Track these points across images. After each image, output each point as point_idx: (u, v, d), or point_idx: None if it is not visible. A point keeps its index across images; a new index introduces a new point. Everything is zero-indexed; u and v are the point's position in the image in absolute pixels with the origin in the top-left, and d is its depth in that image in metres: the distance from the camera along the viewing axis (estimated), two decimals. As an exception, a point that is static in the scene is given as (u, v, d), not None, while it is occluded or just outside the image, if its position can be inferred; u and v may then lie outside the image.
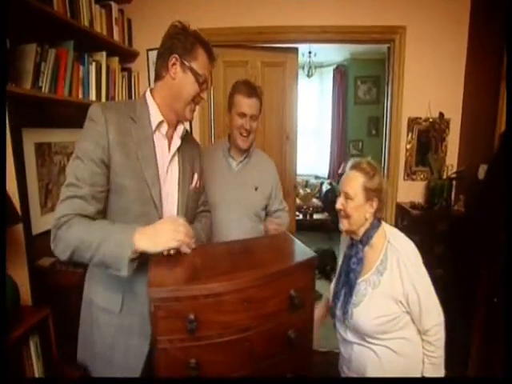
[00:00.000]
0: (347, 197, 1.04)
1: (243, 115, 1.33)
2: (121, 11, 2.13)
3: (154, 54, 2.25)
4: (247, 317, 0.72)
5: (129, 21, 2.22)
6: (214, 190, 1.37)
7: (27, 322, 1.20)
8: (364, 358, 1.06)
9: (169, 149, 0.95)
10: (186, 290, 0.68)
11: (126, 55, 2.21)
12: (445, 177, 1.97)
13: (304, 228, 4.11)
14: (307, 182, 5.45)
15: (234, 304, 0.71)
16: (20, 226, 1.28)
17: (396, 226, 2.11)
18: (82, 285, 1.40)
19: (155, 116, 0.91)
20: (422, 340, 1.04)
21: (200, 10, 2.14)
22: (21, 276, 1.29)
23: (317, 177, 5.61)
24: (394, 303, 1.01)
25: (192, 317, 0.67)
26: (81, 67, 1.74)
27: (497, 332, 1.48)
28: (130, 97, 2.26)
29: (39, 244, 1.57)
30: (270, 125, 2.35)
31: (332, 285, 1.18)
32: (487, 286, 1.54)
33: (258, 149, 1.56)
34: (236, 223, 1.37)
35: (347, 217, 1.05)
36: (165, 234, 0.78)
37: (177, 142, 0.96)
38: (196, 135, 2.28)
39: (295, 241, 0.96)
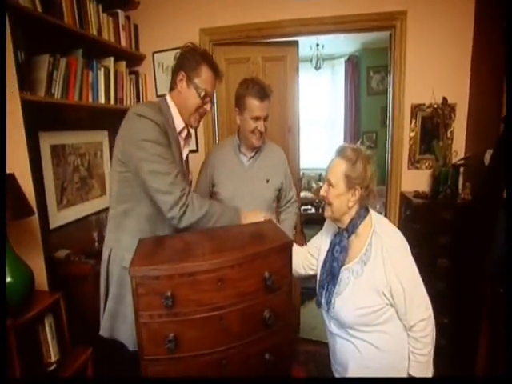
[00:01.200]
0: (329, 184, 1.03)
1: (257, 119, 1.38)
2: (127, 17, 2.25)
3: (159, 57, 2.36)
4: (221, 295, 0.78)
5: (135, 26, 2.33)
6: (226, 186, 1.45)
7: (42, 303, 1.36)
8: (346, 351, 1.05)
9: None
10: (162, 270, 0.74)
11: (133, 59, 2.33)
12: (450, 164, 1.91)
13: (317, 222, 4.09)
14: (320, 175, 5.40)
15: (209, 283, 0.76)
16: (36, 220, 1.42)
17: (400, 215, 2.07)
18: (93, 273, 1.53)
19: (178, 121, 1.10)
20: (408, 336, 0.99)
21: (201, 10, 2.21)
22: (37, 264, 1.43)
23: (330, 170, 5.53)
24: (377, 295, 0.98)
25: (169, 294, 0.74)
26: (90, 73, 1.86)
27: (503, 324, 1.43)
28: (138, 99, 2.38)
29: (56, 237, 1.73)
30: (272, 118, 2.32)
31: (317, 273, 1.16)
32: (493, 276, 1.49)
33: (268, 140, 1.59)
34: None
35: (329, 204, 1.04)
36: (256, 218, 1.09)
37: (187, 149, 1.18)
38: (200, 131, 2.36)
39: (277, 227, 1.00)
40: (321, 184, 5.10)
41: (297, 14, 2.05)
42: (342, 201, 1.02)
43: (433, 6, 1.91)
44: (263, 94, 1.36)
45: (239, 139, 1.49)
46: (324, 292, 1.08)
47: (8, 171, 1.28)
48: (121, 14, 2.14)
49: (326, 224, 1.22)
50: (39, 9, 1.57)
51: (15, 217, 1.26)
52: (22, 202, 1.29)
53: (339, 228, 1.09)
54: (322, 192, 1.06)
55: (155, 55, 2.36)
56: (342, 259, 1.03)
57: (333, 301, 1.04)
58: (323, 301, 1.08)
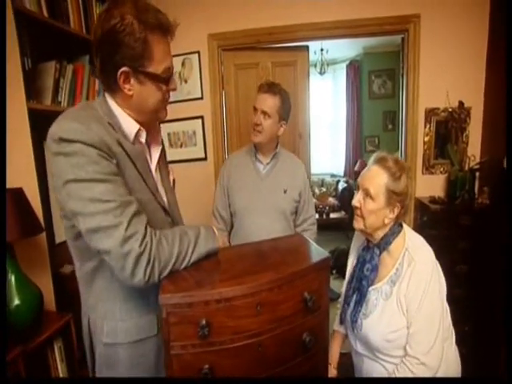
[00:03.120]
0: (367, 194, 0.92)
1: (255, 109, 1.34)
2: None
3: (165, 62, 2.30)
4: (260, 321, 0.71)
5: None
6: (242, 195, 1.38)
7: (51, 327, 1.27)
8: (375, 374, 0.97)
9: (150, 156, 0.85)
10: (196, 296, 0.67)
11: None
12: (467, 168, 1.87)
13: (321, 227, 4.01)
14: (323, 180, 5.37)
15: (246, 308, 0.70)
16: (44, 237, 1.34)
17: (415, 222, 2.03)
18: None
19: (129, 126, 0.76)
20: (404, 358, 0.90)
21: (210, 16, 2.17)
22: (45, 284, 1.35)
23: (332, 175, 5.51)
24: (403, 315, 0.89)
25: (204, 322, 0.67)
26: (96, 80, 1.80)
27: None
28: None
29: (61, 252, 1.65)
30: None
31: (343, 288, 1.10)
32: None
33: (286, 150, 1.53)
34: (266, 228, 1.33)
35: (363, 217, 0.94)
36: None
37: (158, 149, 0.87)
38: (208, 138, 2.30)
39: (309, 242, 0.94)
40: (323, 190, 5.06)
41: (308, 19, 2.02)
42: (378, 216, 0.92)
43: (446, 9, 1.89)
44: (267, 87, 1.34)
45: (255, 146, 1.43)
46: (350, 311, 1.01)
47: (15, 185, 1.21)
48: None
49: (355, 236, 1.14)
50: (45, 13, 1.52)
51: (24, 235, 1.19)
52: (32, 219, 1.21)
53: (368, 241, 1.01)
54: (356, 202, 0.95)
55: (161, 61, 2.31)
56: (373, 278, 0.95)
57: (359, 322, 0.97)
58: (348, 319, 1.01)
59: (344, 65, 5.07)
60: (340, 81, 5.23)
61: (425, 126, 2.01)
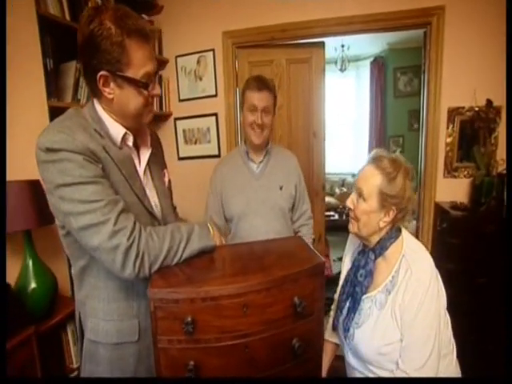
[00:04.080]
0: (360, 195, 0.87)
1: (254, 109, 1.29)
2: (151, 22, 2.26)
3: (182, 60, 2.35)
4: (247, 322, 0.70)
5: (159, 31, 2.33)
6: (237, 198, 1.35)
7: (64, 311, 1.36)
8: None
9: (138, 158, 0.86)
10: (182, 293, 0.68)
11: (157, 63, 2.33)
12: (494, 173, 1.73)
13: (340, 228, 3.93)
14: (344, 180, 5.23)
15: (233, 309, 0.69)
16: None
17: (434, 228, 1.92)
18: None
19: (116, 130, 0.78)
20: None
21: (224, 13, 2.18)
22: (61, 270, 1.45)
23: (354, 175, 5.32)
24: (398, 328, 0.83)
25: (189, 319, 0.67)
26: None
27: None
28: (161, 103, 2.38)
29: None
30: (297, 123, 2.30)
31: (337, 292, 1.05)
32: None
33: (278, 145, 1.51)
34: (265, 228, 1.31)
35: (357, 219, 0.89)
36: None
37: (146, 152, 0.88)
38: (222, 135, 2.32)
39: (307, 245, 0.92)
40: (344, 190, 4.93)
41: (323, 14, 1.97)
42: (371, 219, 0.86)
43: (473, 0, 1.76)
44: (261, 84, 1.29)
45: (246, 145, 1.40)
46: (342, 317, 0.95)
47: (34, 178, 1.29)
48: (145, 18, 2.15)
49: (349, 237, 1.08)
50: (67, 17, 1.60)
51: (42, 223, 1.26)
52: (47, 209, 1.28)
53: (364, 246, 0.95)
54: (349, 203, 0.91)
55: (178, 59, 2.36)
56: (367, 285, 0.90)
57: (351, 331, 0.91)
58: (340, 327, 0.96)
59: (368, 62, 4.89)
60: (363, 78, 5.05)
61: (447, 127, 1.89)
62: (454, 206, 1.78)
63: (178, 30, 2.31)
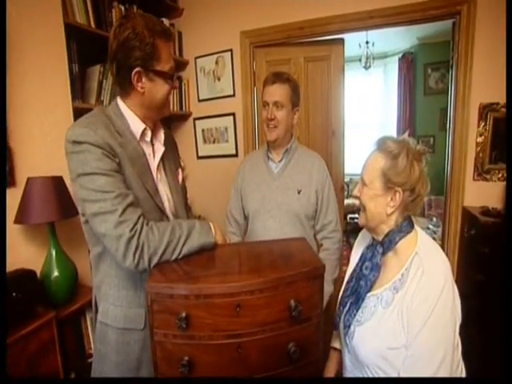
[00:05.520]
0: (363, 182, 0.84)
1: (266, 104, 1.27)
2: (172, 25, 2.32)
3: (201, 61, 2.39)
4: (240, 322, 0.70)
5: (179, 33, 2.40)
6: (254, 196, 1.32)
7: (84, 299, 1.45)
8: None
9: (153, 154, 0.94)
10: (177, 289, 0.69)
11: (177, 65, 2.38)
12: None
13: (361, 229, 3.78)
14: (368, 182, 5.04)
15: (226, 308, 0.69)
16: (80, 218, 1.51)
17: (462, 234, 1.78)
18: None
19: (136, 125, 0.88)
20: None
21: (242, 13, 2.19)
22: (82, 261, 1.53)
23: (379, 177, 5.13)
24: (404, 332, 0.76)
25: (183, 315, 0.68)
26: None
27: None
28: (181, 104, 2.44)
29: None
30: (315, 121, 2.25)
31: (342, 288, 0.98)
32: None
33: (303, 145, 1.43)
34: (278, 231, 1.25)
35: (363, 208, 0.85)
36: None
37: (160, 148, 0.95)
38: (239, 135, 2.33)
39: (310, 248, 0.89)
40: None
41: (342, 9, 1.90)
42: (377, 204, 0.81)
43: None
44: (274, 77, 1.26)
45: (267, 144, 1.36)
46: (343, 314, 0.89)
47: (57, 174, 1.38)
48: (165, 22, 2.22)
49: (360, 234, 1.03)
50: (93, 24, 1.69)
51: (64, 216, 1.35)
52: (68, 203, 1.37)
53: (373, 240, 0.89)
54: (356, 191, 0.87)
55: (197, 60, 2.41)
56: (373, 279, 0.83)
57: (352, 328, 0.84)
58: (341, 324, 0.90)
59: (396, 58, 4.67)
60: (391, 76, 4.83)
61: (478, 125, 1.74)
62: (485, 211, 1.63)
63: (197, 31, 2.36)
